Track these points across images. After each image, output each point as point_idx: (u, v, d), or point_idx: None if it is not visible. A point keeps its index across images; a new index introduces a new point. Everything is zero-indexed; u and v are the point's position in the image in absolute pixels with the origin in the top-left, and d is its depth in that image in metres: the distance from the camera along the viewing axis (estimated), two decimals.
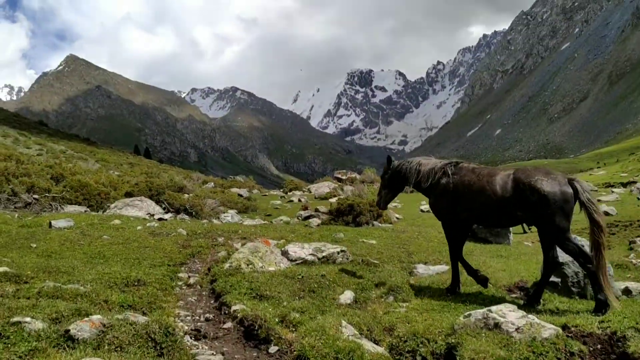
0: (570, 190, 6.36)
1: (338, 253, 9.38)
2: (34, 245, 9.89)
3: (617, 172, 70.30)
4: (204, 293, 7.27)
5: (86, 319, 4.25)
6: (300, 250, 9.07)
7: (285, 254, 8.95)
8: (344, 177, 37.87)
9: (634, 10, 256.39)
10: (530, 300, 6.75)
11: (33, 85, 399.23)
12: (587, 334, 4.98)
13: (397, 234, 14.83)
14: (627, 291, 7.05)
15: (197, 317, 6.11)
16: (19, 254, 8.88)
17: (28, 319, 4.33)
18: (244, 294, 6.61)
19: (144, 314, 5.81)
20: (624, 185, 50.15)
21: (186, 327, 5.39)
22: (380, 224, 18.66)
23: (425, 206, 22.84)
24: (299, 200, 32.23)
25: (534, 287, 7.01)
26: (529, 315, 4.82)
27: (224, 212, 23.64)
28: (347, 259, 9.46)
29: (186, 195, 25.22)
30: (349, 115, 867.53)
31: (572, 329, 5.12)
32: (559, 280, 7.05)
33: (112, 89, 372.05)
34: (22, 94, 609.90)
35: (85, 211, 19.78)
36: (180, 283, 7.77)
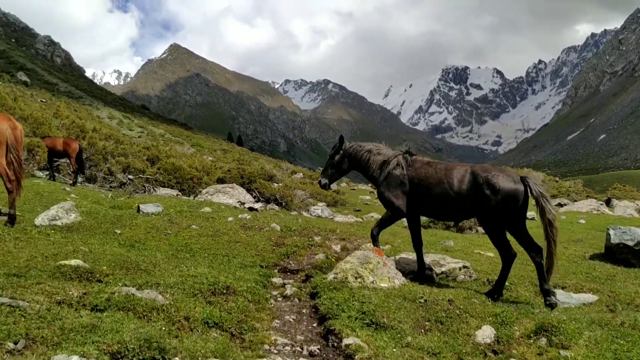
0: (522, 188, 6.57)
1: (460, 269, 7.75)
2: (119, 232, 9.11)
3: None
4: (304, 310, 5.90)
5: None
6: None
7: (397, 264, 7.49)
8: None
9: None
10: (491, 293, 6.94)
11: (139, 71, 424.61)
12: None
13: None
14: None
15: (298, 349, 4.69)
16: (100, 240, 8.07)
17: None
18: (354, 318, 5.16)
19: (232, 336, 4.60)
20: None
21: None
22: None
23: None
24: None
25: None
26: None
27: (313, 205, 22.76)
28: (470, 276, 7.81)
29: (276, 185, 24.56)
30: (440, 113, 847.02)
31: None
32: None
33: (210, 78, 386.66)
34: (129, 79, 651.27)
35: (177, 195, 19.47)
36: (275, 293, 6.48)
